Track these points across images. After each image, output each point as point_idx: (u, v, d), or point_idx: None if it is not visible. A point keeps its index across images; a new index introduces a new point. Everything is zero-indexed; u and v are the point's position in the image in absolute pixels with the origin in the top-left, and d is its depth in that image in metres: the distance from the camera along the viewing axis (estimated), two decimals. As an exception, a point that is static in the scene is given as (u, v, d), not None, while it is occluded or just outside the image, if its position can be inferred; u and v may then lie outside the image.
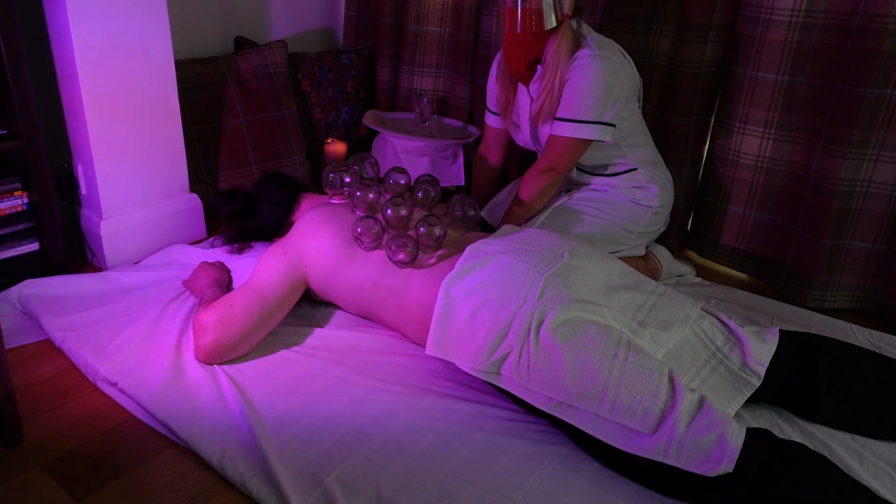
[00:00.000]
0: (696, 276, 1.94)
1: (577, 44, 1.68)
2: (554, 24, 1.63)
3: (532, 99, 1.78)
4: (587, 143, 1.71)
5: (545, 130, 1.77)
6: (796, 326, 1.64)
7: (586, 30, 1.71)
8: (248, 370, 1.39)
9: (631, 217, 1.82)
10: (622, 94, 1.68)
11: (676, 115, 1.97)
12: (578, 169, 1.87)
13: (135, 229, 1.85)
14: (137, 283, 1.69)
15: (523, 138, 1.89)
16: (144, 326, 1.49)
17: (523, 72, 1.74)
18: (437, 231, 1.44)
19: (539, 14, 1.62)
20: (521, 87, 1.82)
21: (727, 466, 1.04)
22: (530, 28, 1.64)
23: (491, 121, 1.97)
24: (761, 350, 1.29)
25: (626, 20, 2.00)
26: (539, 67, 1.72)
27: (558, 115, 1.69)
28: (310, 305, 1.63)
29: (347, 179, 1.64)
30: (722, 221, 1.98)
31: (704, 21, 1.86)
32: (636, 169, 1.83)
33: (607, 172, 1.85)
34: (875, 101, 1.61)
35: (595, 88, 1.64)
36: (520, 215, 1.81)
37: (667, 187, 1.86)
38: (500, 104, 1.88)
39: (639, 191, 1.83)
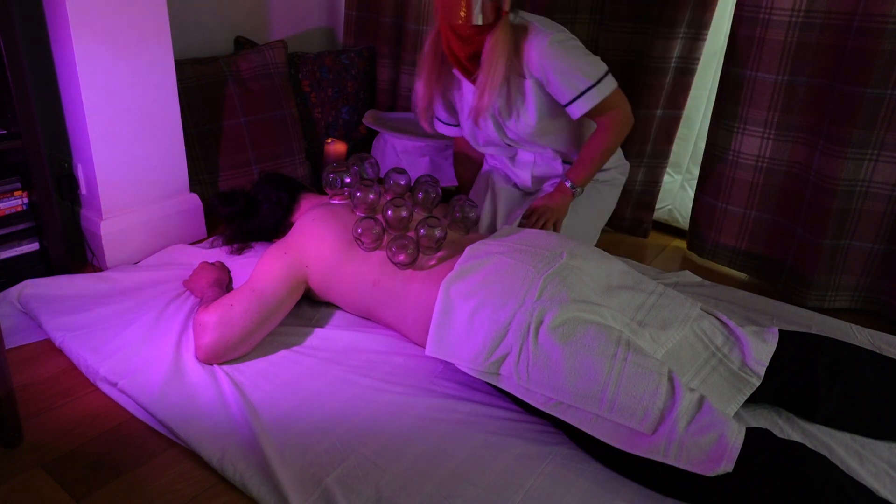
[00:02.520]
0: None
1: (518, 37, 1.65)
2: (490, 20, 1.61)
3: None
4: (617, 94, 1.70)
5: (512, 124, 1.76)
6: (796, 326, 1.64)
7: (528, 17, 1.69)
8: (248, 370, 1.39)
9: (608, 200, 1.95)
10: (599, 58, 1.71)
11: (643, 108, 2.04)
12: (567, 163, 1.89)
13: (135, 229, 1.85)
14: (137, 283, 1.69)
15: (486, 137, 1.84)
16: (144, 326, 1.49)
17: (465, 64, 1.70)
18: (438, 233, 1.44)
19: (473, 6, 1.59)
20: (467, 84, 1.77)
21: (727, 466, 1.04)
22: (468, 21, 1.61)
23: (448, 131, 1.95)
24: (761, 350, 1.29)
25: (620, 18, 2.02)
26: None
27: (572, 97, 1.66)
28: (310, 305, 1.63)
29: (347, 180, 1.64)
30: (722, 222, 1.98)
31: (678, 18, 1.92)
32: None
33: None
34: (875, 101, 1.61)
35: (573, 55, 1.65)
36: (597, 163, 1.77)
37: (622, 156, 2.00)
38: (424, 104, 1.82)
39: (615, 171, 1.94)
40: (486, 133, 1.84)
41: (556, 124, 1.78)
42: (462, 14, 1.60)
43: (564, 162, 1.89)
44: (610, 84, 1.67)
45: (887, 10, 1.55)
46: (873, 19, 1.57)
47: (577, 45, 1.68)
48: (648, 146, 2.12)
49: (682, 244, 2.18)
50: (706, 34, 1.99)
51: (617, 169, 1.97)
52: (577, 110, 1.67)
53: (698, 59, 2.02)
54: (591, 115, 1.69)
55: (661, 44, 1.96)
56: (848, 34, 1.63)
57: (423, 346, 1.43)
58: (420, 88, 1.81)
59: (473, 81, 1.70)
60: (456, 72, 1.77)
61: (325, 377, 1.39)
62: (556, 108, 1.74)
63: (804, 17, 1.69)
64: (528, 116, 1.74)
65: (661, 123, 2.10)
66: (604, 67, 1.68)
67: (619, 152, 1.97)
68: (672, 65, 2.00)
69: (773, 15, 1.73)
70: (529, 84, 1.70)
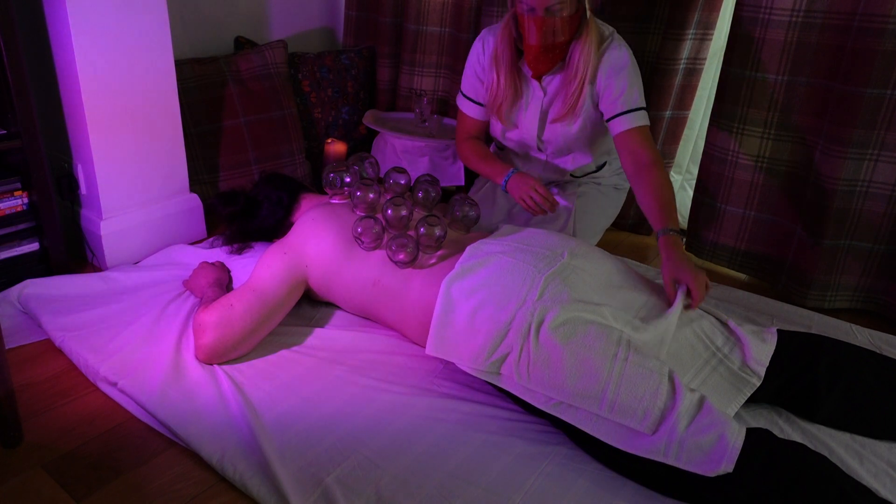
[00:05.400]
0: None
1: (602, 37, 1.68)
2: (578, 26, 1.63)
3: (545, 93, 1.75)
4: (649, 132, 1.71)
5: (557, 128, 1.76)
6: (796, 326, 1.64)
7: (598, 21, 1.71)
8: (248, 370, 1.39)
9: (614, 203, 1.98)
10: None
11: (651, 109, 2.04)
12: (572, 175, 1.93)
13: (135, 229, 1.85)
14: (137, 283, 1.69)
15: (519, 135, 1.84)
16: (144, 326, 1.49)
17: (545, 71, 1.71)
18: (438, 231, 1.44)
19: (573, 20, 1.61)
20: (532, 82, 1.75)
21: (727, 466, 1.04)
22: (565, 36, 1.62)
23: (474, 112, 1.87)
24: (761, 350, 1.29)
25: (622, 20, 2.02)
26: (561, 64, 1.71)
27: (629, 107, 1.65)
28: (310, 305, 1.63)
29: (347, 179, 1.64)
30: (721, 222, 1.98)
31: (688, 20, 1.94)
32: (606, 164, 1.96)
33: (598, 167, 1.95)
34: (875, 101, 1.61)
35: (638, 77, 1.69)
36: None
37: None
38: (497, 97, 1.77)
39: (617, 177, 1.98)
40: (522, 132, 1.83)
41: (587, 142, 1.81)
42: (564, 29, 1.60)
43: (572, 175, 1.92)
44: (647, 118, 1.69)
45: (887, 10, 1.55)
46: (873, 19, 1.57)
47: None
48: (657, 147, 2.11)
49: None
50: (712, 34, 2.00)
51: (620, 175, 1.99)
52: (623, 124, 1.65)
53: (704, 58, 2.03)
54: (630, 137, 1.65)
55: (671, 45, 1.96)
56: (848, 34, 1.63)
57: (423, 345, 1.43)
58: (503, 84, 1.75)
59: (540, 80, 1.74)
60: (526, 69, 1.74)
61: (325, 377, 1.39)
62: (594, 126, 1.77)
63: (804, 17, 1.69)
64: (574, 123, 1.75)
65: (669, 124, 2.10)
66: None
67: (618, 163, 1.98)
68: (681, 66, 2.01)
69: (773, 15, 1.73)
70: (587, 91, 1.69)
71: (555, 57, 1.67)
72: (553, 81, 1.73)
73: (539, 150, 1.87)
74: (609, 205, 1.96)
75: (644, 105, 1.69)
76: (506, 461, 1.19)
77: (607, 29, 1.70)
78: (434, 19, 2.38)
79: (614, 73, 1.65)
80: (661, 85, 2.02)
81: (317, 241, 1.49)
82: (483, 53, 1.80)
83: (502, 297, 1.27)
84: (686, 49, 1.98)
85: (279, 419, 1.25)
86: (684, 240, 1.63)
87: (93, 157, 1.74)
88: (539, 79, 1.74)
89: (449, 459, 1.19)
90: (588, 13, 1.61)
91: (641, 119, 1.67)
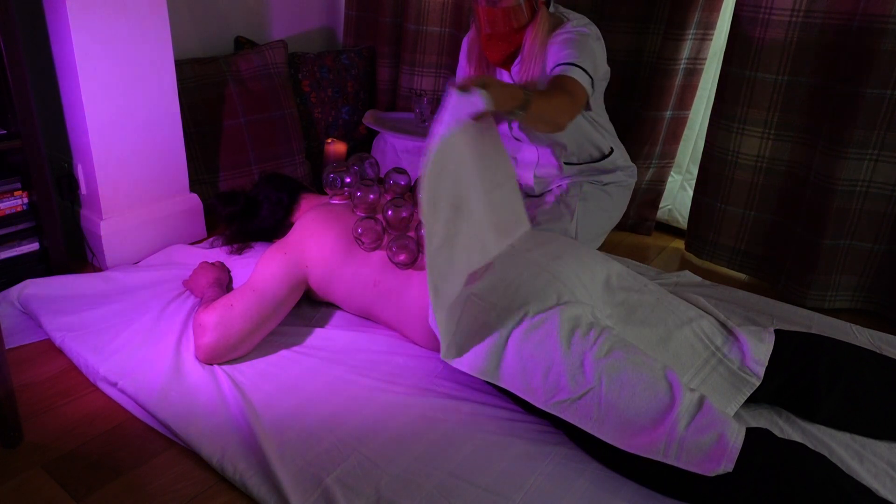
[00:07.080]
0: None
1: (556, 26, 1.69)
2: (529, 16, 1.65)
3: (514, 83, 1.77)
4: (581, 88, 1.57)
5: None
6: (796, 326, 1.64)
7: (565, 11, 1.73)
8: (248, 370, 1.39)
9: (619, 204, 1.96)
10: (599, 67, 1.69)
11: (652, 109, 2.05)
12: (568, 164, 1.91)
13: (135, 229, 1.85)
14: (137, 283, 1.69)
15: (502, 127, 1.87)
16: (144, 326, 1.49)
17: (504, 62, 1.75)
18: (438, 231, 1.44)
19: (516, 10, 1.63)
20: (502, 72, 1.81)
21: (727, 466, 1.04)
22: (509, 25, 1.65)
23: None
24: (760, 350, 1.29)
25: (622, 20, 2.02)
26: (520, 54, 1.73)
27: (558, 61, 1.59)
28: (310, 305, 1.63)
29: (348, 180, 1.63)
30: (721, 222, 1.98)
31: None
32: (613, 151, 1.92)
33: (594, 159, 1.91)
34: (875, 101, 1.61)
35: (582, 45, 1.62)
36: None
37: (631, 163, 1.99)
38: None
39: (621, 173, 1.93)
40: (500, 122, 1.84)
41: None
42: (507, 18, 1.63)
43: (566, 163, 1.90)
44: (585, 80, 1.57)
45: (887, 11, 1.55)
46: (873, 19, 1.57)
47: (593, 46, 1.65)
48: (658, 147, 2.12)
49: (682, 244, 2.18)
50: (712, 34, 2.00)
51: (624, 171, 1.96)
52: (553, 73, 1.59)
53: (705, 59, 2.03)
54: (555, 76, 1.58)
55: (671, 45, 1.97)
56: (848, 34, 1.63)
57: (423, 345, 1.43)
58: (472, 74, 1.82)
59: (509, 70, 1.75)
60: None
61: (325, 377, 1.39)
62: None
63: (804, 17, 1.69)
64: None
65: (670, 124, 2.10)
66: (598, 73, 1.65)
67: (626, 155, 1.97)
68: (681, 66, 2.01)
69: (773, 15, 1.73)
70: (540, 72, 1.69)
71: (506, 46, 1.70)
72: (517, 71, 1.76)
73: (517, 140, 1.88)
74: (613, 207, 1.94)
75: (584, 66, 1.57)
76: (506, 461, 1.19)
77: (575, 16, 1.71)
78: (434, 19, 2.38)
79: (558, 43, 1.65)
80: (661, 85, 2.02)
81: (317, 242, 1.49)
82: (465, 47, 1.88)
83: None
84: (686, 49, 1.98)
85: (279, 419, 1.25)
86: (526, 96, 1.38)
87: (93, 157, 1.74)
88: (509, 70, 1.77)
89: (449, 459, 1.19)
90: (539, 3, 1.65)
91: (572, 72, 1.56)
